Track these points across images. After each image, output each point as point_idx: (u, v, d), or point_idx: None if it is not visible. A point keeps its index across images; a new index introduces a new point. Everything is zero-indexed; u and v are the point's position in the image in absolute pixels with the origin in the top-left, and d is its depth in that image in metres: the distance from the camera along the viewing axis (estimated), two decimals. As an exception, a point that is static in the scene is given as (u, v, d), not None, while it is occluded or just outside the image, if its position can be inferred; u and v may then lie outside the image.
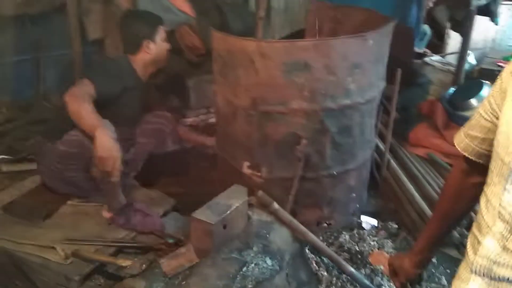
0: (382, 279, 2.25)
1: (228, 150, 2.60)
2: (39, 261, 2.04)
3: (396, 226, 2.63)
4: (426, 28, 4.77)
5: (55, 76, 3.82)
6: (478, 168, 1.07)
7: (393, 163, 3.02)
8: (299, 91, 2.24)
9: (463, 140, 1.07)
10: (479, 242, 0.92)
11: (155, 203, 2.48)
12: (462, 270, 0.99)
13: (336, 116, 2.34)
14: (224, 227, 1.94)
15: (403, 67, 2.90)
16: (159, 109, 2.78)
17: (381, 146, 3.09)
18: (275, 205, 2.18)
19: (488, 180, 0.94)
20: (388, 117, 2.97)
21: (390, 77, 2.73)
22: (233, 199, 2.03)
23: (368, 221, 2.66)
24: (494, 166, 0.92)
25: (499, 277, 0.88)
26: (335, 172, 2.47)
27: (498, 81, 0.97)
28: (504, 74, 0.95)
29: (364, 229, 2.61)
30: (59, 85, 3.79)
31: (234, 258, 1.90)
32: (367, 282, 2.18)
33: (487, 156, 1.00)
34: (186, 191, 2.80)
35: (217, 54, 2.43)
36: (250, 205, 2.17)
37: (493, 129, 0.97)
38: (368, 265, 2.33)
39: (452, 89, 3.50)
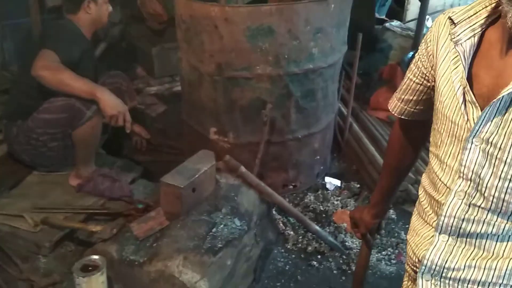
0: (345, 236, 2.36)
1: (194, 117, 2.62)
2: (8, 230, 2.04)
3: (358, 186, 2.74)
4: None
5: (14, 45, 3.68)
6: (416, 125, 1.14)
7: (355, 126, 3.12)
8: (263, 56, 2.27)
9: (398, 105, 1.13)
10: (438, 202, 0.97)
11: (123, 170, 2.50)
12: (420, 228, 1.04)
13: (300, 81, 2.39)
14: (193, 190, 1.98)
15: (365, 33, 2.96)
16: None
17: (344, 110, 3.17)
18: (242, 169, 2.24)
19: (437, 141, 0.98)
20: (350, 81, 3.05)
21: (352, 42, 2.79)
22: (201, 164, 2.07)
23: (332, 182, 2.76)
24: (442, 128, 0.95)
25: (469, 233, 0.91)
26: (299, 136, 2.54)
27: (423, 45, 1.01)
28: (429, 38, 0.99)
29: (328, 189, 2.71)
30: (19, 54, 3.68)
31: (203, 220, 1.96)
32: (331, 239, 2.30)
33: (423, 112, 1.07)
34: (153, 158, 2.82)
35: (180, 20, 2.42)
36: (218, 169, 2.22)
37: (425, 90, 1.03)
38: (332, 224, 2.44)
39: (411, 54, 3.60)
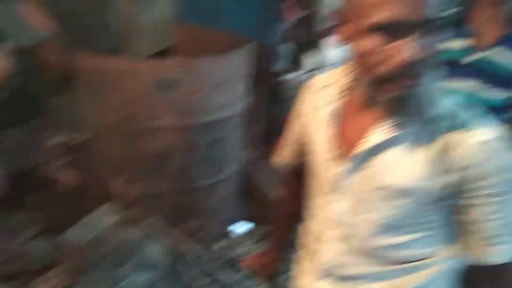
0: (255, 282, 2.40)
1: (100, 169, 2.58)
2: None
3: (269, 229, 2.82)
4: (287, 46, 5.17)
5: None
6: (301, 173, 1.22)
7: (263, 170, 3.24)
8: (168, 108, 2.33)
9: (282, 159, 1.24)
10: (315, 250, 1.05)
11: (22, 226, 2.37)
12: (303, 275, 1.12)
13: (205, 131, 2.47)
14: (97, 245, 1.94)
15: (267, 83, 3.15)
16: None
17: (252, 155, 3.29)
18: (149, 220, 2.23)
19: (311, 193, 1.08)
20: (257, 129, 3.19)
21: (256, 93, 2.95)
22: (105, 218, 2.04)
23: (243, 227, 2.82)
24: (315, 181, 1.06)
25: (344, 276, 1.00)
26: (208, 183, 2.59)
27: (299, 104, 1.12)
28: (304, 99, 1.11)
29: (239, 235, 2.77)
30: None
31: (108, 275, 1.91)
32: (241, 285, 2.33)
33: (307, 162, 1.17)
34: (56, 212, 2.69)
35: (82, 72, 2.42)
36: (123, 222, 2.19)
37: (304, 144, 1.13)
38: (242, 270, 2.47)
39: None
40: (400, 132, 0.89)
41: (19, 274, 1.96)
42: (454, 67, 1.81)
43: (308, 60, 5.32)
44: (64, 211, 2.58)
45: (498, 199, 0.87)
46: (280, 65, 4.75)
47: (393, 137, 0.89)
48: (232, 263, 2.51)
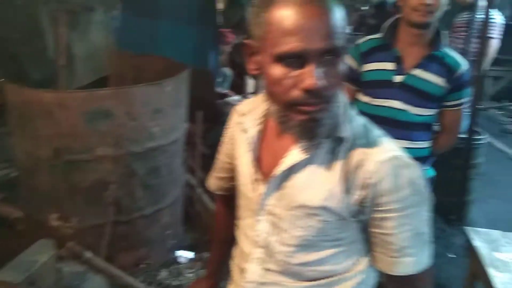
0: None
1: (33, 204, 2.49)
2: None
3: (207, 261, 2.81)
4: (227, 70, 5.25)
5: None
6: (234, 198, 1.25)
7: (204, 196, 3.23)
8: (103, 138, 2.30)
9: (214, 183, 1.27)
10: (243, 269, 1.09)
11: None
12: None
13: (142, 159, 2.45)
14: (31, 284, 1.86)
15: (208, 108, 3.18)
16: None
17: (192, 181, 3.28)
18: (87, 254, 2.17)
19: (239, 214, 1.13)
20: (197, 154, 3.20)
21: (196, 118, 2.97)
22: (39, 255, 1.97)
23: (184, 255, 2.79)
24: (242, 202, 1.11)
25: None
26: (147, 213, 2.56)
27: (227, 130, 1.18)
28: (231, 124, 1.16)
29: (182, 263, 2.74)
30: None
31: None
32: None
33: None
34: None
35: (13, 106, 2.35)
36: (60, 258, 2.12)
37: (233, 168, 1.16)
38: (187, 298, 2.45)
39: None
40: (314, 152, 0.95)
41: None
42: (386, 87, 1.92)
43: (247, 85, 5.43)
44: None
45: (402, 213, 0.93)
46: (219, 90, 4.81)
47: (307, 158, 0.95)
48: (176, 292, 2.49)
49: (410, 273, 0.96)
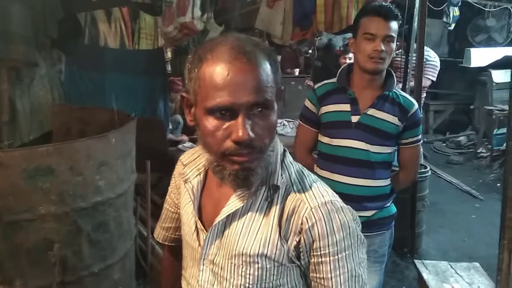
0: None
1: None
2: None
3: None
4: (179, 117, 5.27)
5: None
6: (180, 250, 1.26)
7: (157, 248, 3.16)
8: (45, 196, 2.22)
9: (160, 233, 1.28)
10: None
11: None
12: None
13: (89, 214, 2.38)
14: None
15: (159, 156, 3.16)
16: None
17: (145, 232, 3.21)
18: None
19: (184, 264, 1.13)
20: (148, 204, 3.15)
21: (147, 167, 2.94)
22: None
23: (138, 311, 2.69)
24: (186, 253, 1.12)
25: None
26: (96, 270, 2.46)
27: (172, 180, 1.20)
28: (176, 174, 1.18)
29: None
30: None
31: None
32: None
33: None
34: None
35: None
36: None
37: (179, 217, 1.18)
38: None
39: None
40: (251, 200, 0.99)
41: None
42: (344, 127, 2.00)
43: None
44: None
45: (336, 257, 0.96)
46: (171, 137, 4.81)
47: (245, 206, 0.99)
48: None
49: None
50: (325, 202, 0.97)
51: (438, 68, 4.28)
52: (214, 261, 1.02)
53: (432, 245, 3.80)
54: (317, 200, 0.96)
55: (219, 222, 0.99)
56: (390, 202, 2.09)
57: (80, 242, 2.37)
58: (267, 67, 0.92)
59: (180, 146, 4.49)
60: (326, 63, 5.81)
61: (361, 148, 1.97)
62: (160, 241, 1.28)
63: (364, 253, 1.00)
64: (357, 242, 0.98)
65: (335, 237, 0.95)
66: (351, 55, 4.01)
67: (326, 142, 2.04)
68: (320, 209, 0.95)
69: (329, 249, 0.95)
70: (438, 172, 5.76)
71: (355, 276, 0.97)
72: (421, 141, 2.09)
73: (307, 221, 0.95)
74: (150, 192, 3.10)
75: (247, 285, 0.98)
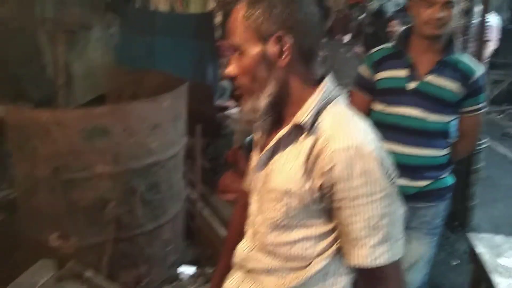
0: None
1: (32, 225, 2.48)
2: None
3: (212, 271, 2.79)
4: (226, 83, 5.26)
5: None
6: None
7: (206, 210, 3.22)
8: (101, 156, 2.30)
9: (244, 185, 1.32)
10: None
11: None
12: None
13: (142, 175, 2.45)
14: (31, 306, 1.85)
15: (207, 121, 3.18)
16: None
17: (193, 195, 3.27)
18: (88, 273, 2.15)
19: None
20: (198, 167, 3.20)
21: (196, 131, 2.97)
22: (39, 276, 1.96)
23: (186, 271, 2.77)
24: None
25: (250, 269, 1.13)
26: (148, 229, 2.55)
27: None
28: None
29: (184, 279, 2.72)
30: None
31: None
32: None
33: None
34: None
35: (10, 126, 2.35)
36: (60, 278, 2.10)
37: None
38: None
39: (250, 137, 3.91)
40: (285, 140, 1.04)
41: None
42: (399, 94, 1.92)
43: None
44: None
45: (354, 203, 0.96)
46: (219, 103, 4.82)
47: (279, 143, 1.05)
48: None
49: (368, 265, 0.98)
50: (349, 146, 0.95)
51: (499, 32, 4.02)
52: (259, 194, 1.10)
53: (485, 219, 3.67)
54: (343, 143, 0.96)
55: (262, 155, 1.08)
56: (448, 173, 2.00)
57: (133, 201, 2.44)
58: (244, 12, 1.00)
59: (227, 112, 4.49)
60: (376, 29, 5.60)
61: (417, 116, 1.89)
62: (244, 189, 1.31)
63: (388, 206, 0.98)
64: (380, 193, 0.96)
65: (354, 182, 0.95)
66: (398, 21, 3.85)
67: (380, 110, 1.97)
68: (342, 153, 0.95)
69: (346, 194, 0.96)
70: (493, 145, 5.52)
71: (375, 228, 0.96)
72: (484, 109, 1.97)
73: (329, 163, 0.96)
74: (199, 156, 3.14)
75: (276, 219, 1.05)
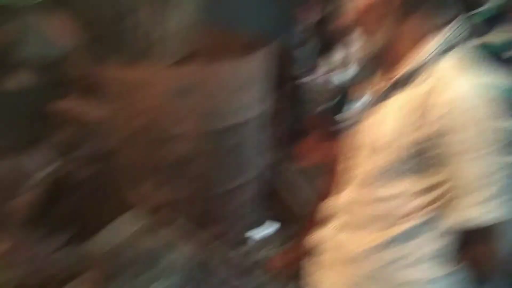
0: (280, 285, 2.38)
1: (123, 177, 2.60)
2: None
3: (291, 233, 2.80)
4: (309, 46, 5.12)
5: None
6: None
7: (285, 174, 3.21)
8: (189, 113, 2.34)
9: None
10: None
11: (47, 235, 2.41)
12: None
13: (226, 135, 2.47)
14: (121, 252, 1.96)
15: (287, 86, 3.13)
16: None
17: (274, 158, 3.27)
18: (173, 225, 2.24)
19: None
20: (279, 131, 3.18)
21: (277, 95, 2.93)
22: (130, 224, 2.06)
23: (265, 231, 2.80)
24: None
25: (346, 223, 1.12)
26: (229, 188, 2.59)
27: None
28: None
29: (262, 238, 2.75)
30: None
31: (132, 282, 1.93)
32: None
33: None
34: (81, 220, 2.73)
35: (106, 81, 2.45)
36: (148, 227, 2.21)
37: None
38: (267, 272, 2.46)
39: (332, 102, 3.80)
40: (394, 86, 0.98)
41: (46, 284, 2.00)
42: (495, 61, 1.74)
43: (329, 60, 5.26)
44: (88, 219, 2.62)
45: (464, 156, 0.89)
46: (300, 66, 4.72)
47: (387, 90, 0.99)
48: (255, 268, 2.50)
49: (479, 221, 0.90)
50: (461, 96, 0.88)
51: None
52: (361, 147, 1.07)
53: None
54: (452, 93, 0.88)
55: (363, 107, 1.07)
56: None
57: (217, 160, 2.48)
58: None
59: (310, 75, 4.39)
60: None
61: None
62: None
63: (500, 160, 0.90)
64: (490, 144, 0.88)
65: (467, 134, 0.88)
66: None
67: None
68: (453, 103, 0.88)
69: (458, 146, 0.89)
70: None
71: (487, 181, 0.89)
72: None
73: (441, 112, 0.88)
74: (281, 120, 3.10)
75: (371, 174, 1.02)
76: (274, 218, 2.99)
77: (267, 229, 2.82)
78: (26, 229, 2.36)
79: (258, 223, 2.90)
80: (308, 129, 3.66)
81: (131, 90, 2.29)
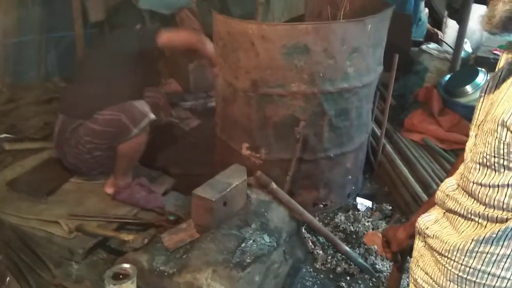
0: (376, 258, 2.32)
1: (227, 132, 2.65)
2: (44, 235, 2.10)
3: (390, 208, 2.69)
4: (423, 16, 4.80)
5: (57, 58, 3.85)
6: None
7: (388, 147, 3.08)
8: (298, 74, 2.29)
9: None
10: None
11: (156, 182, 2.55)
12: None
13: (334, 99, 2.39)
14: (224, 204, 2.00)
15: (401, 54, 2.94)
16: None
17: (377, 130, 3.14)
18: (273, 185, 2.24)
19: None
20: (385, 102, 3.03)
21: (387, 64, 2.78)
22: (233, 178, 2.09)
23: (363, 203, 2.72)
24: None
25: (447, 209, 1.03)
26: (332, 155, 2.53)
27: None
28: None
29: (359, 210, 2.68)
30: (60, 66, 3.83)
31: (233, 234, 1.97)
32: (361, 261, 2.26)
33: None
34: (185, 172, 2.85)
35: (218, 36, 2.46)
36: (249, 184, 2.23)
37: None
38: (362, 245, 2.40)
39: (448, 76, 3.55)
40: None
41: (153, 225, 2.11)
42: None
43: (448, 30, 4.89)
44: (194, 172, 2.72)
45: None
46: (417, 36, 4.44)
47: (505, 72, 0.92)
48: (353, 237, 2.45)
49: None
50: None
51: None
52: (476, 127, 0.99)
53: None
54: None
55: (489, 82, 0.98)
56: None
57: (322, 124, 2.42)
58: None
59: (423, 46, 4.12)
60: None
61: None
62: None
63: None
64: None
65: None
66: None
67: None
68: None
69: None
70: None
71: None
72: None
73: None
74: (391, 90, 2.95)
75: (485, 154, 0.91)
76: (373, 192, 2.90)
77: (366, 202, 2.74)
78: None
79: (358, 194, 2.82)
80: (420, 102, 3.45)
81: (245, 44, 2.27)
